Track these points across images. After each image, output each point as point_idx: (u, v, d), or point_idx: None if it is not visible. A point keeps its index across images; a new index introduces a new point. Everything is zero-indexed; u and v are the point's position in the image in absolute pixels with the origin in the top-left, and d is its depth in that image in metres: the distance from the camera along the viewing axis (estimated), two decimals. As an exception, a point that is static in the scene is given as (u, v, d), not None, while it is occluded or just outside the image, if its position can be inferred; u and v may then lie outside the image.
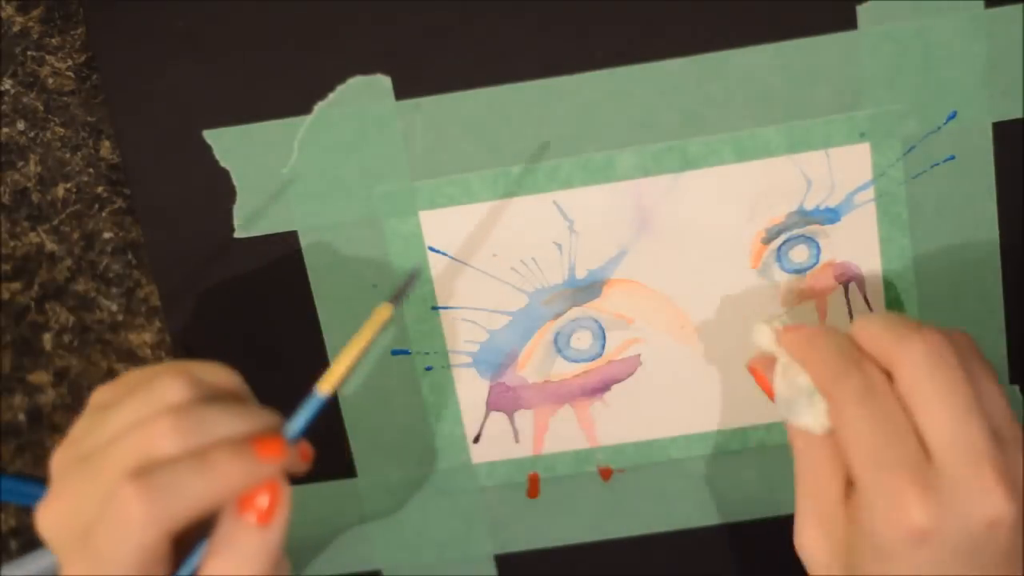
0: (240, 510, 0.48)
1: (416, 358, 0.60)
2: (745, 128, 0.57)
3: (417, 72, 0.57)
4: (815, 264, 0.59)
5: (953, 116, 0.57)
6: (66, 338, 0.64)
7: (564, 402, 0.61)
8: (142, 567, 0.48)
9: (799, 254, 0.59)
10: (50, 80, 0.60)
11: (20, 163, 0.62)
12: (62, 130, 0.61)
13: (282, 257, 0.59)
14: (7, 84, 0.60)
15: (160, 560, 0.48)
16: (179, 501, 0.48)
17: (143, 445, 0.48)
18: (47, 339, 0.65)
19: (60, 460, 0.50)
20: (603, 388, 0.61)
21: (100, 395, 0.52)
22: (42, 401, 0.66)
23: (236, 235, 0.59)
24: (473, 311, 0.60)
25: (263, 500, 0.48)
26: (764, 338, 0.54)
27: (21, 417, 0.66)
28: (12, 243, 0.63)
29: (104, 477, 0.48)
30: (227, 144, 0.58)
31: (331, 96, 0.57)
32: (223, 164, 0.58)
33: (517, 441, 0.61)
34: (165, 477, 0.48)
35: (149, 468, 0.48)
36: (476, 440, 0.61)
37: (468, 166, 0.58)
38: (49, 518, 0.49)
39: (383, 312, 0.51)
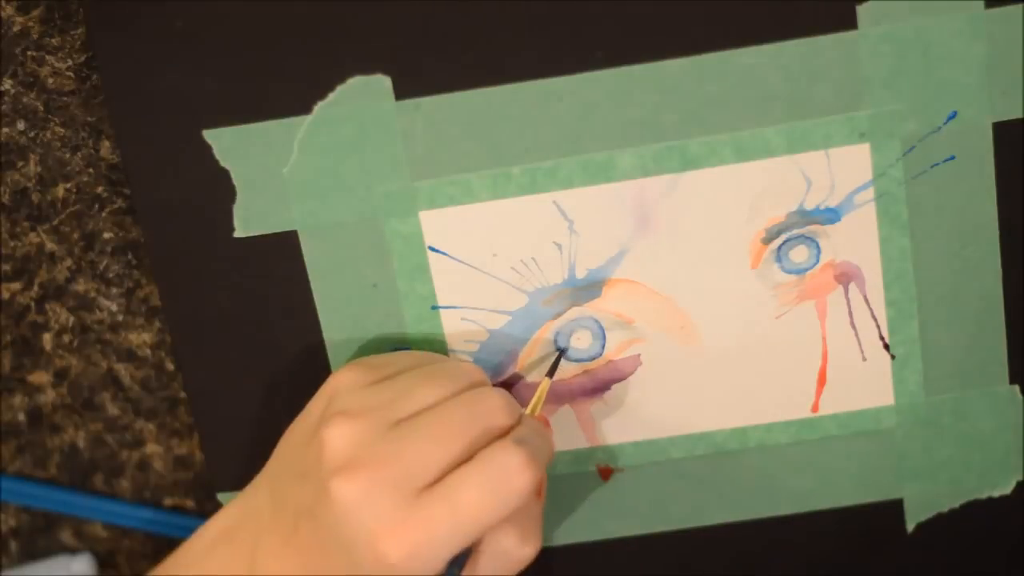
0: None
1: (416, 358, 0.60)
2: (745, 128, 0.57)
3: (417, 72, 0.57)
4: (815, 264, 0.59)
5: (953, 116, 0.57)
6: (66, 338, 0.64)
7: (564, 402, 0.61)
8: (498, 520, 0.51)
9: (799, 254, 0.59)
10: (50, 80, 0.60)
11: (20, 163, 0.62)
12: (62, 130, 0.61)
13: (282, 257, 0.59)
14: (7, 84, 0.60)
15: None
16: (540, 464, 0.52)
17: (486, 416, 0.52)
18: (47, 339, 0.65)
19: (352, 433, 0.51)
20: (603, 388, 0.61)
21: (358, 369, 0.54)
22: (42, 401, 0.66)
23: (236, 235, 0.59)
24: (473, 311, 0.59)
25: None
26: None
27: (21, 417, 0.66)
28: (12, 243, 0.63)
29: (458, 439, 0.51)
30: (227, 144, 0.58)
31: (331, 96, 0.57)
32: (223, 164, 0.58)
33: (517, 441, 0.61)
34: (527, 441, 0.52)
35: (520, 437, 0.52)
36: (476, 440, 0.61)
37: (468, 166, 0.58)
38: (366, 488, 0.50)
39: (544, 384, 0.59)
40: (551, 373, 0.59)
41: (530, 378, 0.60)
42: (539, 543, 0.54)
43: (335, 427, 0.51)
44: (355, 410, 0.52)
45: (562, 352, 0.60)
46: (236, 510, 0.55)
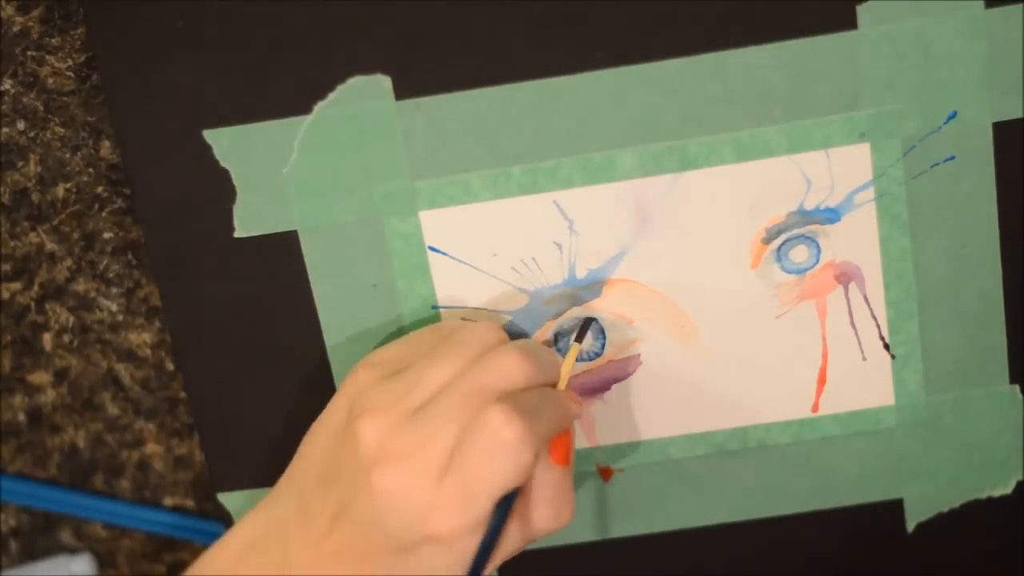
0: (550, 454, 0.54)
1: (416, 358, 0.60)
2: (745, 128, 0.57)
3: (417, 72, 0.57)
4: (815, 264, 0.59)
5: (953, 116, 0.57)
6: (66, 338, 0.64)
7: (564, 402, 0.61)
8: (512, 484, 0.52)
9: (799, 254, 0.59)
10: (50, 80, 0.60)
11: (20, 163, 0.62)
12: (62, 130, 0.61)
13: (282, 257, 0.59)
14: (7, 84, 0.60)
15: (520, 482, 0.52)
16: (541, 425, 0.52)
17: (491, 379, 0.53)
18: (47, 339, 0.65)
19: (378, 427, 0.52)
20: (603, 388, 0.61)
21: (375, 364, 0.55)
22: (42, 401, 0.66)
23: (236, 235, 0.59)
24: (473, 310, 0.59)
25: (564, 444, 0.54)
26: None
27: (21, 417, 0.66)
28: (12, 243, 0.63)
29: (459, 415, 0.52)
30: (227, 144, 0.58)
31: (331, 96, 0.57)
32: (223, 164, 0.58)
33: (517, 441, 0.61)
34: (525, 402, 0.52)
35: (521, 400, 0.52)
36: (476, 440, 0.61)
37: (468, 166, 0.58)
38: (401, 477, 0.52)
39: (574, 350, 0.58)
40: (580, 338, 0.59)
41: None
42: (571, 511, 0.54)
43: (365, 425, 0.53)
44: (379, 406, 0.53)
45: (589, 321, 0.59)
46: (260, 520, 0.55)
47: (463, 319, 0.59)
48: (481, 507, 0.51)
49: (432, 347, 0.55)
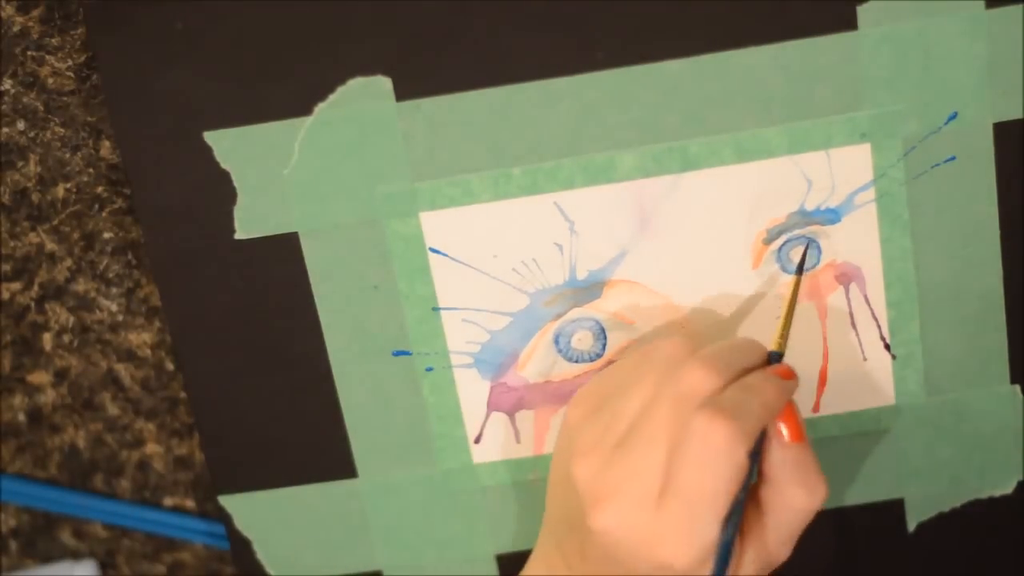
0: (785, 436, 0.53)
1: (417, 359, 0.60)
2: (745, 128, 0.57)
3: (417, 73, 0.57)
4: (816, 264, 0.59)
5: (953, 116, 0.57)
6: (66, 338, 0.64)
7: (565, 402, 0.61)
8: (733, 490, 0.51)
9: (800, 255, 0.59)
10: (50, 80, 0.60)
11: (20, 163, 0.62)
12: (62, 130, 0.61)
13: (283, 258, 0.59)
14: (7, 84, 0.60)
15: (741, 484, 0.51)
16: (748, 420, 0.51)
17: (686, 391, 0.51)
18: (47, 339, 0.65)
19: (588, 468, 0.52)
20: (603, 388, 0.61)
21: (581, 403, 0.54)
22: (42, 401, 0.66)
23: (237, 237, 0.59)
24: (474, 312, 0.59)
25: (791, 421, 0.53)
26: None
27: (21, 417, 0.66)
28: (12, 243, 0.63)
29: (664, 434, 0.51)
30: (228, 145, 0.58)
31: (332, 97, 0.57)
32: (224, 166, 0.58)
33: (518, 441, 0.61)
34: (727, 402, 0.51)
35: (719, 401, 0.51)
36: (477, 440, 0.62)
37: (469, 167, 0.58)
38: (617, 514, 0.51)
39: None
40: (800, 271, 0.58)
41: (532, 379, 0.60)
42: (824, 485, 0.53)
43: (577, 468, 0.52)
44: (585, 447, 0.53)
45: (809, 244, 0.58)
46: (539, 568, 0.56)
47: (656, 338, 0.58)
48: (706, 523, 0.50)
49: (626, 374, 0.54)
